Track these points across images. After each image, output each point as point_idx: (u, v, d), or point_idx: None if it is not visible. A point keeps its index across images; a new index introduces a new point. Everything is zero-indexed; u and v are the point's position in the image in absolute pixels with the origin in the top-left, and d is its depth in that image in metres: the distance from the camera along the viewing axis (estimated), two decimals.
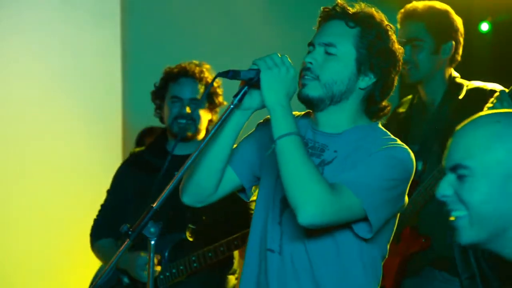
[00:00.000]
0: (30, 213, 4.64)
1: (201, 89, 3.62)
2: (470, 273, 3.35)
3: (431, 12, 3.44)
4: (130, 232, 2.19)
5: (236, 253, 3.72)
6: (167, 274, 3.57)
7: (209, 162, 2.43)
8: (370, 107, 2.42)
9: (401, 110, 3.69)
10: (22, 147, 4.66)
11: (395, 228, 2.45)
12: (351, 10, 2.38)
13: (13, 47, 4.65)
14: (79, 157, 4.77)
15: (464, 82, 3.47)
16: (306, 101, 2.39)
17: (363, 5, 2.40)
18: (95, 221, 3.81)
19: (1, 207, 4.61)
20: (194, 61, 3.67)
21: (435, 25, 3.43)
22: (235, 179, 2.50)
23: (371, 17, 2.38)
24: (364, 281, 2.39)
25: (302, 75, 2.35)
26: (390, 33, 2.39)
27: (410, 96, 3.70)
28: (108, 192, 3.80)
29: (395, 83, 2.43)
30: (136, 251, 3.53)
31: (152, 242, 2.21)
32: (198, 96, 3.61)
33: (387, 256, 2.46)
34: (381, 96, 2.41)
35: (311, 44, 2.40)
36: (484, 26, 4.69)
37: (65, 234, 4.58)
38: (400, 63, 2.42)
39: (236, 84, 2.34)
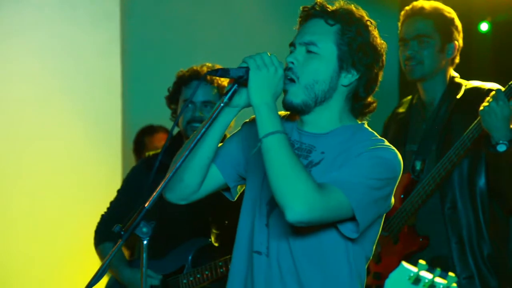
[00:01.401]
0: (30, 213, 4.64)
1: (214, 91, 3.60)
2: (468, 273, 3.35)
3: (439, 12, 3.48)
4: (122, 232, 2.18)
5: None
6: (191, 278, 3.54)
7: (194, 159, 2.42)
8: (355, 104, 2.41)
9: (401, 110, 3.70)
10: (21, 147, 4.66)
11: (380, 230, 2.44)
12: (331, 8, 2.37)
13: (13, 47, 4.66)
14: (78, 157, 4.78)
15: (463, 82, 3.49)
16: (291, 109, 2.38)
17: (342, 2, 2.40)
18: (102, 218, 3.78)
19: (1, 207, 4.62)
20: (207, 64, 3.66)
21: (442, 24, 3.47)
22: (220, 178, 2.49)
23: (350, 13, 2.37)
24: (349, 282, 2.38)
25: (285, 76, 2.34)
26: (370, 28, 2.38)
27: (409, 97, 3.71)
28: (119, 191, 3.78)
29: (380, 78, 2.42)
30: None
31: (145, 242, 2.20)
32: (210, 99, 3.60)
33: (371, 258, 2.45)
34: (366, 92, 2.40)
35: (292, 44, 2.39)
36: (484, 26, 4.68)
37: (65, 234, 4.58)
38: (384, 58, 2.41)
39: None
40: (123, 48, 5.00)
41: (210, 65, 3.64)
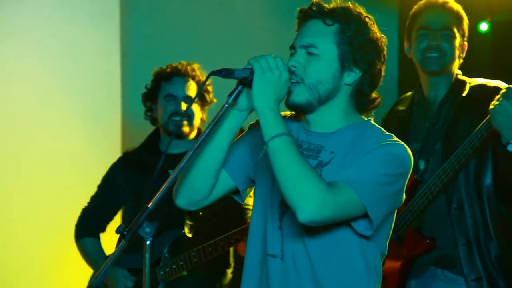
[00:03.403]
0: (29, 213, 4.64)
1: (194, 86, 3.73)
2: (476, 275, 3.32)
3: (459, 11, 3.50)
4: (125, 233, 2.18)
5: (231, 248, 3.80)
6: (167, 269, 3.65)
7: (204, 163, 2.41)
8: (360, 101, 2.41)
9: (401, 108, 3.66)
10: (21, 147, 4.66)
11: (393, 225, 2.44)
12: (328, 7, 2.36)
13: (12, 47, 4.65)
14: (78, 157, 4.78)
15: (467, 79, 3.47)
16: (295, 108, 2.38)
17: (338, 0, 2.39)
18: (83, 212, 3.90)
19: (1, 207, 4.62)
20: (183, 62, 3.78)
21: (461, 23, 3.48)
22: (229, 182, 2.49)
23: (348, 11, 2.36)
24: (367, 279, 2.38)
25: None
26: (369, 24, 2.37)
27: (409, 93, 3.68)
28: (99, 187, 3.89)
29: (383, 73, 2.41)
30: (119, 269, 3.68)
31: (148, 242, 2.21)
32: (191, 93, 3.72)
33: (386, 253, 2.45)
34: (370, 88, 2.40)
35: (292, 47, 2.39)
36: (483, 26, 4.69)
37: (65, 234, 4.57)
38: (385, 52, 2.40)
39: (229, 82, 2.34)
40: (123, 47, 5.00)
41: (185, 62, 3.77)
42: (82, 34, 4.83)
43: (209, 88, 3.77)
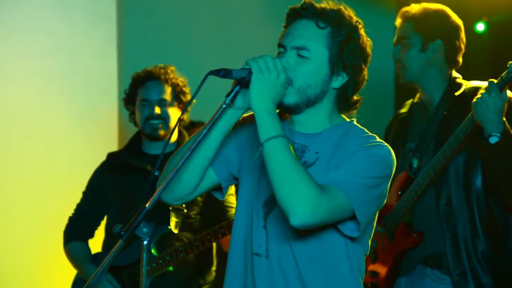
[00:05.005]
0: (28, 214, 4.64)
1: (168, 89, 3.80)
2: (461, 269, 3.36)
3: (422, 13, 3.49)
4: (122, 233, 2.18)
5: (213, 244, 3.88)
6: (154, 265, 3.71)
7: (195, 161, 2.41)
8: (344, 103, 2.43)
9: (403, 111, 3.71)
10: (18, 148, 4.66)
11: (375, 224, 2.46)
12: (320, 8, 2.36)
13: (9, 48, 4.66)
14: (75, 157, 4.78)
15: (464, 82, 3.49)
16: (283, 108, 2.39)
17: (330, 2, 2.39)
18: (70, 220, 3.96)
19: (1, 207, 4.62)
20: (159, 64, 3.86)
21: (423, 24, 3.47)
22: (213, 178, 2.50)
23: (340, 15, 2.37)
24: (351, 279, 2.40)
25: None
26: (359, 28, 2.39)
27: (411, 100, 3.72)
28: (85, 194, 3.96)
29: (366, 77, 2.43)
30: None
31: (145, 242, 2.21)
32: (165, 96, 3.79)
33: (368, 252, 2.47)
34: (354, 92, 2.42)
35: (281, 46, 2.39)
36: (480, 27, 4.70)
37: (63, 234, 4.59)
38: (370, 57, 2.42)
39: (225, 82, 2.34)
40: (119, 48, 5.01)
41: (162, 65, 3.86)
42: (79, 35, 4.84)
43: (185, 89, 3.84)
